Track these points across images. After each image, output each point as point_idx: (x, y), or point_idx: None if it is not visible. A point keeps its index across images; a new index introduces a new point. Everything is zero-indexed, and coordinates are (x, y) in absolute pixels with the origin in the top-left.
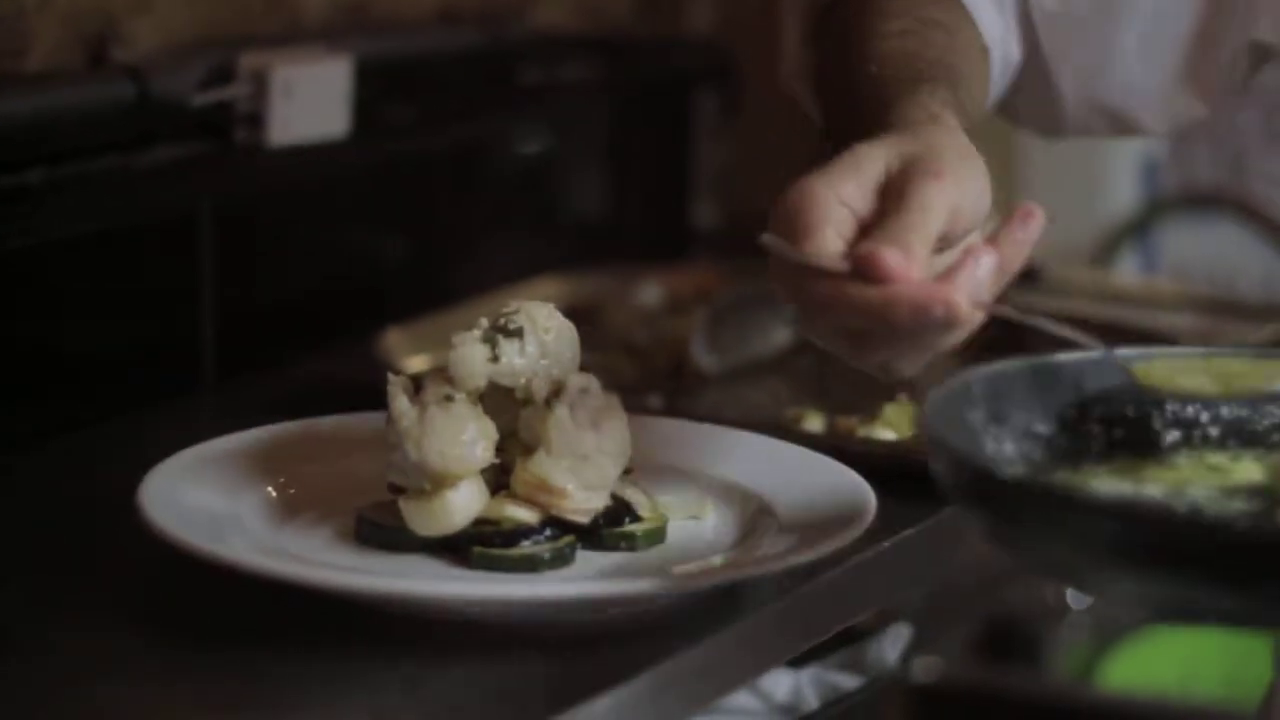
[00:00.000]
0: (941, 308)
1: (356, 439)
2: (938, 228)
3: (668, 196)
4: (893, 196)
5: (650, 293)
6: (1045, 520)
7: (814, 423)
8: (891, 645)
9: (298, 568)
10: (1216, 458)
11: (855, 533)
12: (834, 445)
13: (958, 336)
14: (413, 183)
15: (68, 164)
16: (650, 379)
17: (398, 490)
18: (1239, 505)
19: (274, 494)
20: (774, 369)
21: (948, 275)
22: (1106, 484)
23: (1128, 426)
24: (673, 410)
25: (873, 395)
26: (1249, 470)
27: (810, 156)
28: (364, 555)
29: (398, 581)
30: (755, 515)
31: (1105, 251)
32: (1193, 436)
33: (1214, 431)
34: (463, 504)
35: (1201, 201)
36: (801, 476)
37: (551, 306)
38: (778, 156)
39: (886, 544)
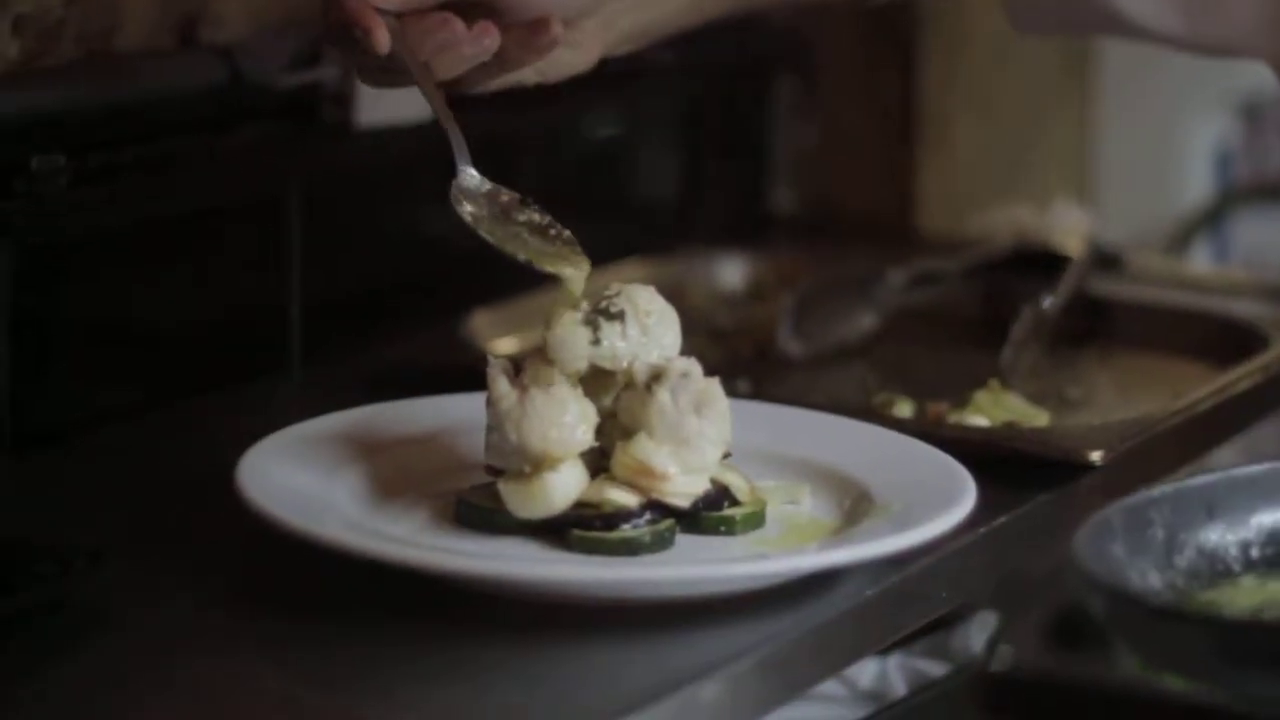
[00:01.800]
0: (362, 29)
1: (450, 421)
2: None
3: (746, 181)
4: None
5: (733, 277)
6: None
7: (903, 409)
8: (978, 633)
9: (395, 548)
10: None
11: (957, 518)
12: (926, 431)
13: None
14: (496, 164)
15: (158, 144)
16: (734, 364)
17: (496, 472)
18: None
19: (370, 475)
20: (859, 355)
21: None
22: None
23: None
24: (759, 395)
25: (960, 381)
26: None
27: (888, 141)
28: (462, 537)
29: (496, 563)
30: (854, 501)
31: (1179, 240)
32: None
33: None
34: (562, 487)
35: (1274, 191)
36: (899, 462)
37: (653, 289)
38: (856, 141)
39: (983, 530)
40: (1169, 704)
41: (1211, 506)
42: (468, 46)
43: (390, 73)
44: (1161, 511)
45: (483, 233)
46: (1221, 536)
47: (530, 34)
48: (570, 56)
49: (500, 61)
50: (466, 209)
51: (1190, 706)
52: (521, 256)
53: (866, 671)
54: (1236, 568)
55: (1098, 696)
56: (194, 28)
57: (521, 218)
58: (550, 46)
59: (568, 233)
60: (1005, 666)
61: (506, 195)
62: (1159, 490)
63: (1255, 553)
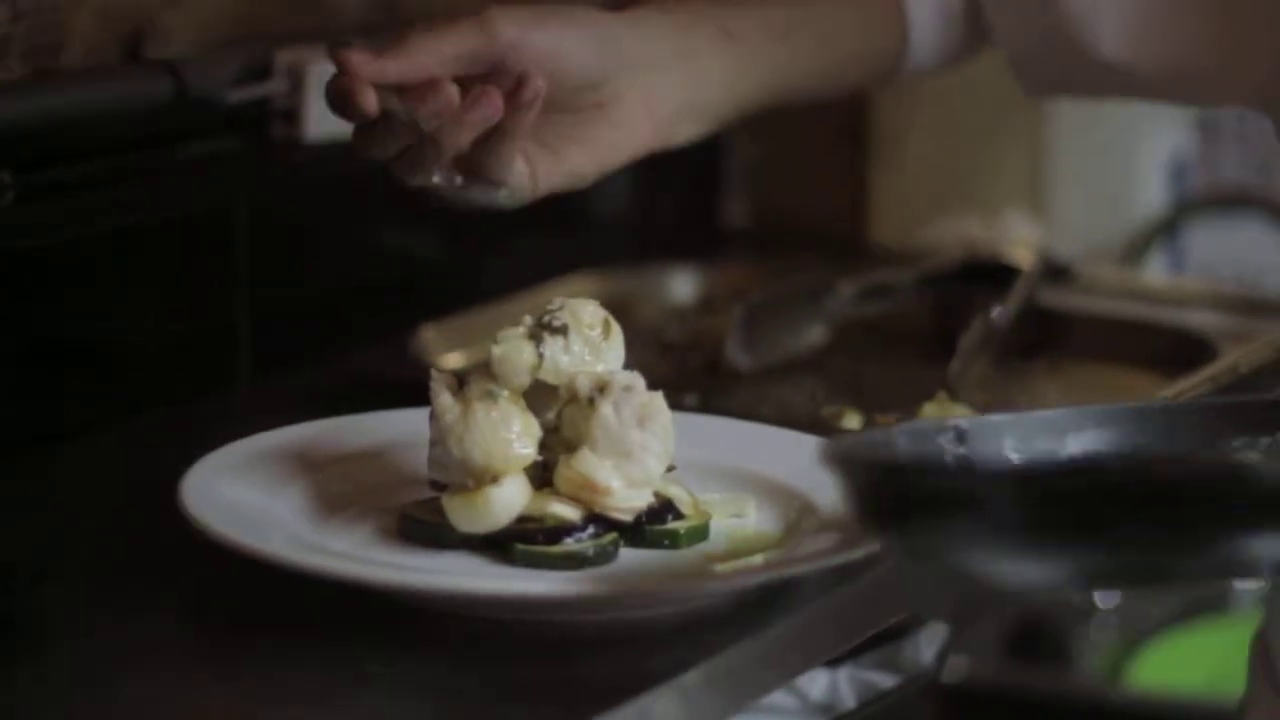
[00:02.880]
0: (351, 97)
1: (396, 436)
2: (449, 53)
3: (697, 194)
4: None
5: (683, 290)
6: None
7: (851, 421)
8: (928, 644)
9: (339, 563)
10: None
11: None
12: None
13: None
14: None
15: (104, 159)
16: (684, 377)
17: (439, 487)
18: None
19: (315, 490)
20: (808, 367)
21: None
22: None
23: None
24: (708, 408)
25: (909, 393)
26: None
27: (839, 153)
28: (406, 552)
29: (440, 578)
30: (798, 513)
31: (1134, 251)
32: None
33: None
34: (506, 501)
35: (1229, 202)
36: None
37: (596, 304)
38: (807, 153)
39: None
40: (1122, 713)
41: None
42: (469, 113)
43: (419, 162)
44: (952, 440)
45: None
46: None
47: (516, 91)
48: (614, 136)
49: (505, 134)
50: None
51: (1145, 715)
52: None
53: (817, 683)
54: None
55: (1050, 707)
56: (140, 43)
57: None
58: (532, 99)
59: None
60: (957, 678)
61: None
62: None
63: None
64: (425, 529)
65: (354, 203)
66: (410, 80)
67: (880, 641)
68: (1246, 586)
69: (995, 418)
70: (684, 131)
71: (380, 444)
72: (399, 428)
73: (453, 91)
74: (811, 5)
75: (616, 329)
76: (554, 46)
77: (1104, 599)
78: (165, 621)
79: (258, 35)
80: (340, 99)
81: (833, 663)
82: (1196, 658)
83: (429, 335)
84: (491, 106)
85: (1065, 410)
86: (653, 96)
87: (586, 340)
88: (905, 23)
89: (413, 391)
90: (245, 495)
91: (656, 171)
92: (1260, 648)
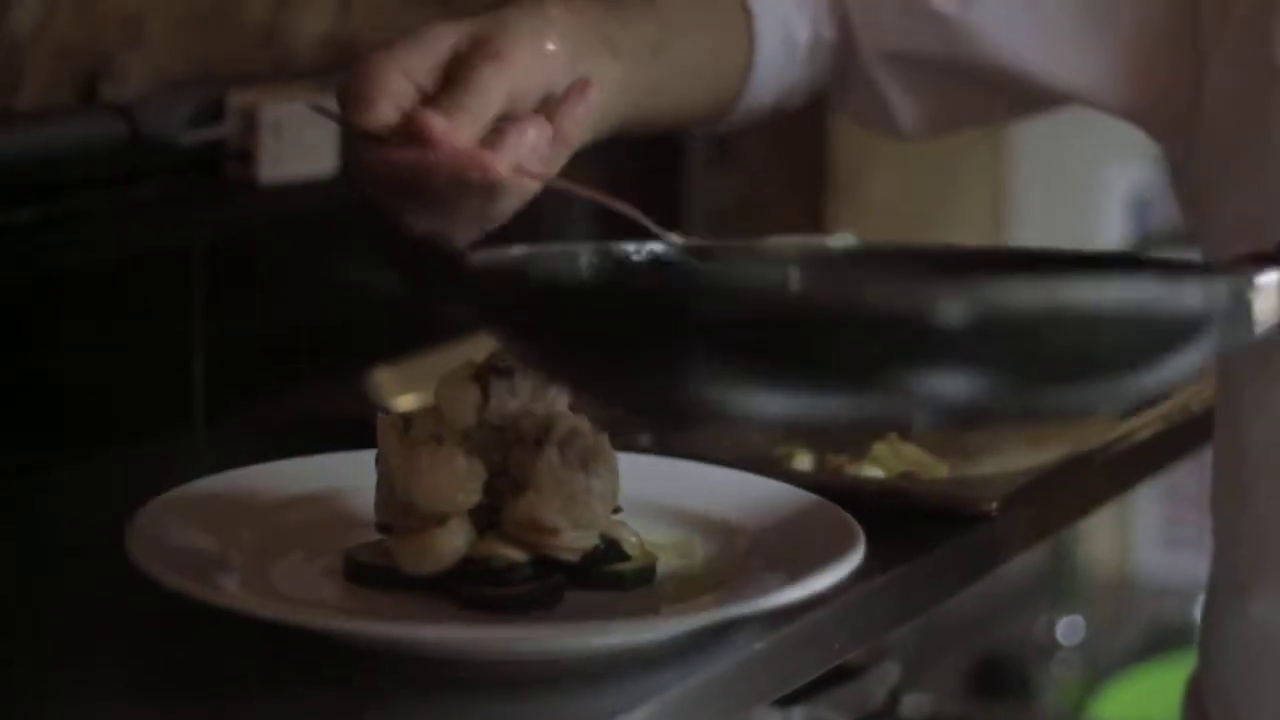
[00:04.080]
0: (479, 171)
1: (345, 477)
2: (492, 108)
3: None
4: (456, 76)
5: None
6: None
7: (803, 461)
8: (879, 683)
9: (287, 607)
10: None
11: (845, 570)
12: (823, 483)
13: (508, 204)
14: None
15: (59, 200)
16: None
17: (386, 529)
18: None
19: (261, 534)
20: None
21: (492, 142)
22: None
23: None
24: (661, 448)
25: (861, 434)
26: None
27: (802, 194)
28: (352, 594)
29: (386, 621)
30: (744, 554)
31: None
32: None
33: None
34: (451, 542)
35: (1191, 238)
36: (790, 515)
37: None
38: (770, 194)
39: (876, 581)
40: None
41: None
42: (541, 143)
43: (484, 213)
44: None
45: None
46: None
47: (574, 101)
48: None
49: (560, 144)
50: None
51: None
52: None
53: None
54: None
55: None
56: (95, 84)
57: None
58: (594, 104)
59: None
60: (920, 715)
61: None
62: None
63: None
64: (372, 571)
65: (308, 243)
66: (478, 136)
67: (834, 680)
68: None
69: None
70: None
71: (327, 486)
72: (346, 470)
73: (528, 128)
74: (677, 27)
75: None
76: (542, 83)
77: (1067, 635)
78: (111, 667)
79: (211, 77)
80: (456, 168)
81: (785, 702)
82: (1159, 694)
83: (382, 376)
84: (549, 127)
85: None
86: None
87: (533, 382)
88: (753, 54)
89: (364, 432)
90: (192, 539)
91: (614, 213)
92: (1194, 689)
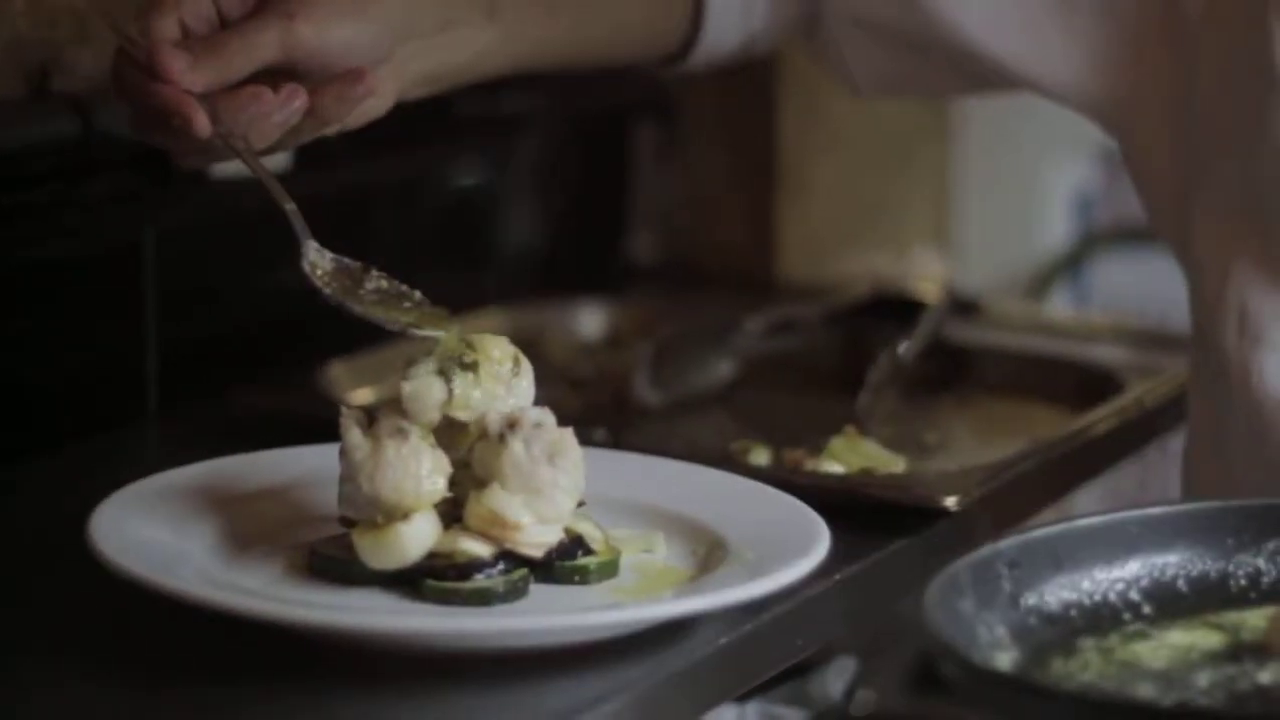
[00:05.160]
0: (182, 122)
1: (304, 472)
2: (250, 65)
3: (605, 230)
4: (244, 22)
5: (590, 326)
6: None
7: (760, 456)
8: (836, 678)
9: (250, 601)
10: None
11: (810, 566)
12: (782, 479)
13: (218, 159)
14: (352, 215)
15: (11, 195)
16: (592, 412)
17: (349, 523)
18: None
19: (224, 527)
20: (717, 403)
21: (231, 92)
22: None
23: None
24: (617, 444)
25: (818, 428)
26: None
27: (748, 189)
28: (316, 589)
29: (350, 615)
30: (708, 549)
31: (1040, 286)
32: None
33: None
34: (416, 537)
35: (1134, 236)
36: (753, 510)
37: (505, 340)
38: (716, 189)
39: (838, 577)
40: None
41: (1059, 558)
42: (278, 114)
43: (206, 153)
44: (1007, 564)
45: (350, 304)
46: (1072, 589)
47: (345, 86)
48: (368, 103)
49: (315, 119)
50: (324, 284)
51: None
52: (397, 325)
53: (724, 718)
54: (1127, 617)
55: None
56: (47, 78)
57: (370, 285)
58: (365, 96)
59: (419, 294)
60: (865, 712)
61: (351, 263)
62: (1005, 543)
63: (1137, 598)
64: (336, 565)
65: (259, 239)
66: (221, 85)
67: (789, 676)
68: None
69: (1040, 534)
70: (418, 93)
71: (289, 480)
72: (307, 464)
73: (268, 97)
74: None
75: (526, 365)
76: (347, 43)
77: None
78: (74, 661)
79: None
80: (166, 112)
81: (741, 697)
82: None
83: (336, 371)
84: (301, 101)
85: (1108, 520)
86: (405, 64)
87: (497, 376)
88: (702, 7)
89: (319, 427)
90: (154, 534)
91: (563, 208)
92: None
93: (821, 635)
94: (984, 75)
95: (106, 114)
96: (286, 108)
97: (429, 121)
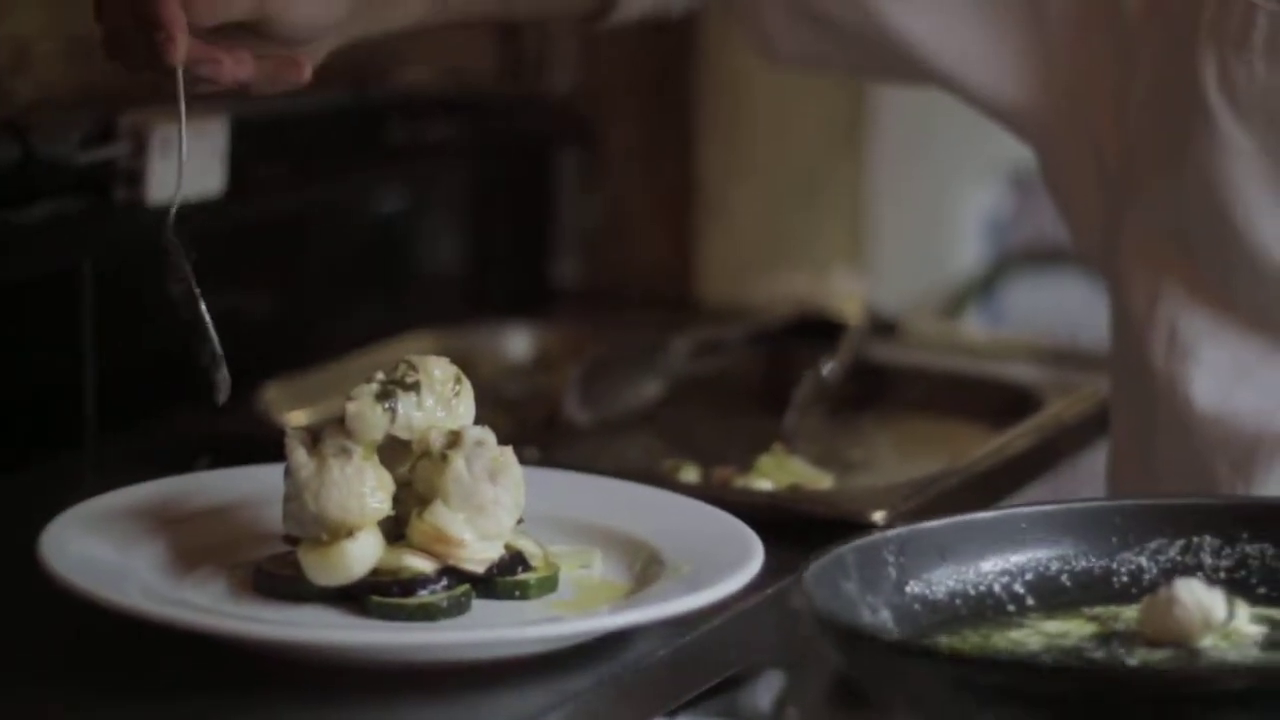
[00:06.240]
0: (167, 36)
1: (247, 492)
2: (232, 14)
3: (530, 254)
4: None
5: (518, 348)
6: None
7: (689, 474)
8: (765, 692)
9: (199, 617)
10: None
11: (745, 579)
12: (712, 495)
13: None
14: (282, 241)
15: None
16: (523, 432)
17: (294, 541)
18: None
19: (169, 547)
20: (645, 422)
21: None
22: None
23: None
24: (549, 462)
25: (745, 446)
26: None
27: (669, 212)
28: (263, 605)
29: (296, 630)
30: (644, 564)
31: (953, 306)
32: None
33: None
34: (360, 554)
35: (1045, 258)
36: (688, 525)
37: (446, 360)
38: (638, 212)
39: (770, 591)
40: None
41: (944, 549)
42: (225, 78)
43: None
44: (894, 551)
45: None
46: (957, 579)
47: (282, 71)
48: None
49: (242, 87)
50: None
51: None
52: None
53: None
54: (1011, 609)
55: None
56: None
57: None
58: (294, 85)
59: None
60: None
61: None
62: (894, 531)
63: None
64: (281, 583)
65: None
66: (194, 27)
67: (718, 689)
68: None
69: (930, 525)
70: (323, 50)
71: (231, 500)
72: (249, 484)
73: (226, 64)
74: None
75: (467, 385)
76: (313, 20)
77: None
78: (22, 683)
79: (99, 97)
80: (156, 24)
81: (671, 711)
82: None
83: (271, 394)
84: (246, 74)
85: (998, 515)
86: (342, 33)
87: (438, 396)
88: None
89: (257, 448)
90: (100, 554)
91: (489, 233)
92: None
93: (754, 649)
94: (908, 67)
95: (45, 140)
96: (230, 74)
97: (357, 150)
